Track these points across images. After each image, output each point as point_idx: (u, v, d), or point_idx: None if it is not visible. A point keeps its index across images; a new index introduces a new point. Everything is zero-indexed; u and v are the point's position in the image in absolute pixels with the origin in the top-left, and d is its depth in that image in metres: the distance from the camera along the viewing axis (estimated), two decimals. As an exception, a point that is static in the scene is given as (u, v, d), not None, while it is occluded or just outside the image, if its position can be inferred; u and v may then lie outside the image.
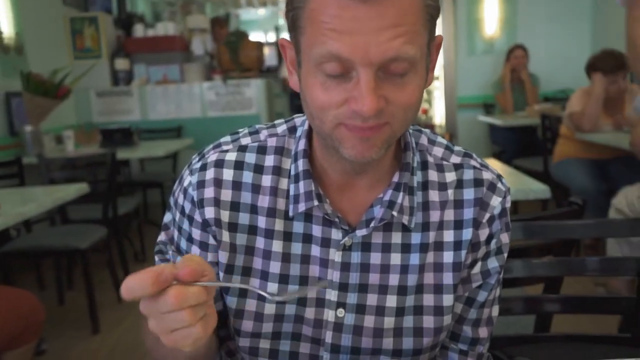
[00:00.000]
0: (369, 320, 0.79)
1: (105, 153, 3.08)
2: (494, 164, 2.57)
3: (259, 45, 5.15)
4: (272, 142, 0.80)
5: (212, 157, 0.80)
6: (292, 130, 0.82)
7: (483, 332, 0.86)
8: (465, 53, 5.70)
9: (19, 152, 3.74)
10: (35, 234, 3.03)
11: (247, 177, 0.79)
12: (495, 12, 5.60)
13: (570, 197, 1.25)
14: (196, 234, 0.79)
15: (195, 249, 0.80)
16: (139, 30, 5.26)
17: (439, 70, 5.94)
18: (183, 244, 0.81)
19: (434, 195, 0.79)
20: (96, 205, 3.08)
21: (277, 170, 0.79)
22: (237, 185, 0.78)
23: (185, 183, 0.81)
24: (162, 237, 0.85)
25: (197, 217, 0.78)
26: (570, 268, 1.13)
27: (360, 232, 0.76)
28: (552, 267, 1.13)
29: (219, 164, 0.79)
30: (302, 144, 0.78)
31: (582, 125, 3.25)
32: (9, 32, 3.96)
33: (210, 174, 0.78)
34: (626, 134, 3.14)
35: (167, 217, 0.85)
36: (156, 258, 0.84)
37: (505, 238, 0.83)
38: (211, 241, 0.79)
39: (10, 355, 1.74)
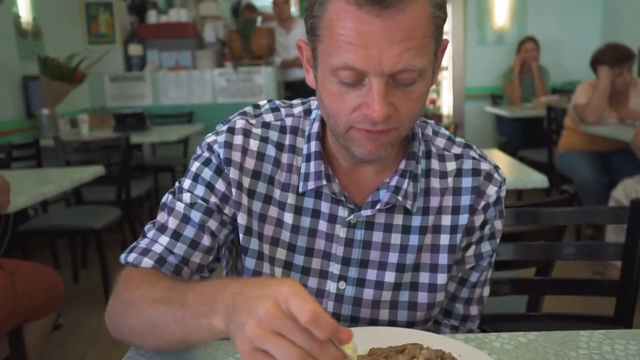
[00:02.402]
0: (367, 293, 0.86)
1: (120, 137, 3.17)
2: (498, 155, 2.63)
3: (270, 33, 5.20)
4: (288, 122, 0.87)
5: (239, 123, 0.85)
6: (308, 112, 0.88)
7: (474, 310, 0.93)
8: (474, 43, 5.72)
9: (36, 135, 3.85)
10: (52, 214, 3.14)
11: (271, 150, 0.85)
12: (506, 3, 5.61)
13: (562, 186, 1.32)
14: (221, 185, 0.83)
15: (215, 198, 0.83)
16: (152, 17, 5.32)
17: (447, 60, 5.96)
18: (199, 190, 0.84)
19: (435, 183, 0.86)
20: (110, 188, 3.18)
21: (293, 149, 0.85)
22: (261, 156, 0.84)
23: (209, 140, 0.85)
24: (176, 184, 0.87)
25: (226, 171, 0.83)
26: (557, 252, 1.21)
27: (366, 212, 0.83)
28: (540, 250, 1.21)
29: (247, 133, 0.84)
30: (315, 127, 0.85)
31: (586, 118, 3.29)
32: (26, 17, 4.05)
33: (238, 139, 0.84)
34: (629, 127, 3.19)
35: (183, 177, 0.88)
36: (170, 197, 0.85)
37: (498, 224, 0.89)
38: (233, 197, 0.83)
39: (33, 326, 1.85)
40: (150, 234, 0.84)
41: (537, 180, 2.02)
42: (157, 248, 0.82)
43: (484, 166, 0.87)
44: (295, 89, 5.22)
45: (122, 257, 0.84)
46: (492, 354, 0.76)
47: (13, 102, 3.89)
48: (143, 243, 0.84)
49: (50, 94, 3.77)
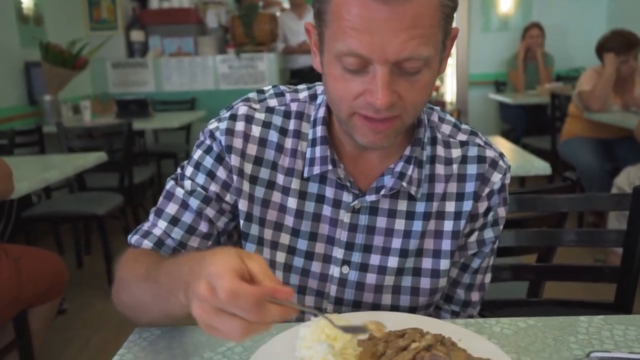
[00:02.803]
0: (370, 278, 0.86)
1: (122, 123, 3.17)
2: (501, 142, 2.63)
3: (272, 19, 5.17)
4: (294, 107, 0.87)
5: (241, 109, 0.86)
6: (313, 97, 0.88)
7: (475, 296, 0.94)
8: (479, 30, 5.67)
9: (39, 121, 3.85)
10: (55, 200, 3.15)
11: (273, 136, 0.85)
12: (511, -11, 5.56)
13: (565, 173, 1.31)
14: (222, 173, 0.85)
15: (215, 186, 0.85)
16: (154, 2, 5.28)
17: (451, 46, 5.91)
18: (200, 179, 0.85)
19: (440, 169, 0.86)
20: (112, 174, 3.19)
21: (298, 134, 0.86)
22: (263, 142, 0.85)
23: (212, 127, 0.86)
24: (178, 170, 0.90)
25: (228, 159, 0.84)
26: (559, 239, 1.21)
27: (370, 198, 0.83)
28: (542, 237, 1.21)
29: (249, 119, 0.85)
30: (321, 112, 0.85)
31: (590, 105, 3.27)
32: (27, 2, 4.03)
33: (240, 126, 0.84)
34: (634, 115, 3.17)
35: (185, 162, 0.90)
36: (171, 182, 0.88)
37: (502, 212, 0.90)
38: (234, 184, 0.85)
39: (37, 311, 1.87)
40: (151, 217, 0.88)
41: (540, 167, 2.02)
42: (157, 231, 0.86)
43: (489, 153, 0.87)
44: (302, 77, 5.17)
45: (129, 237, 0.89)
46: (491, 339, 0.77)
47: (15, 88, 3.89)
48: (146, 225, 0.88)
49: (52, 80, 3.77)
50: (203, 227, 0.85)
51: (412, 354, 0.67)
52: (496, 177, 0.87)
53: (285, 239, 0.86)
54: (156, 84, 5.07)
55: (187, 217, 0.85)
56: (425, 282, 0.87)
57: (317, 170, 0.83)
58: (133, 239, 0.87)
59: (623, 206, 1.18)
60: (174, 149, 4.56)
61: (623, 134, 3.31)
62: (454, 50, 5.93)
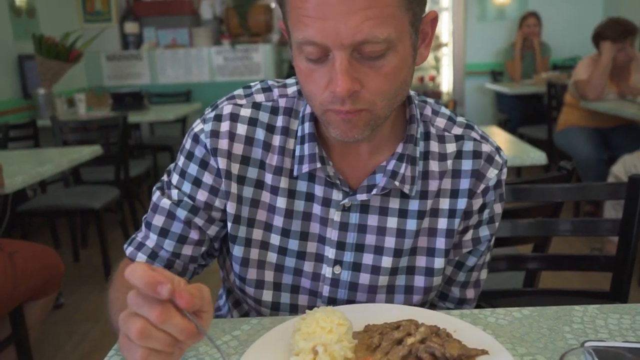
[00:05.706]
0: (364, 278, 0.84)
1: (117, 116, 3.15)
2: (497, 133, 2.62)
3: (268, 9, 5.13)
4: (282, 103, 0.84)
5: (226, 109, 0.83)
6: (302, 92, 0.85)
7: (470, 293, 0.92)
8: (475, 19, 5.65)
9: (33, 115, 3.83)
10: (51, 194, 3.14)
11: (260, 134, 0.82)
12: (507, -23, 5.53)
13: (560, 162, 1.31)
14: (208, 178, 0.83)
15: (202, 194, 0.83)
16: (147, -7, 5.25)
17: (447, 37, 5.90)
18: (186, 187, 0.83)
19: (433, 166, 0.84)
20: (108, 167, 3.18)
21: (286, 131, 0.83)
22: (249, 141, 0.82)
23: (197, 129, 0.83)
24: (164, 177, 0.88)
25: (213, 163, 0.82)
26: (554, 228, 1.21)
27: (361, 197, 0.81)
28: (537, 227, 1.21)
29: (234, 117, 0.82)
30: (309, 108, 0.82)
31: (587, 94, 3.27)
32: (20, -6, 4.00)
33: (225, 126, 0.82)
34: (630, 103, 3.17)
35: (172, 165, 0.88)
36: (157, 193, 0.86)
37: (498, 208, 0.87)
38: (222, 188, 0.83)
39: (33, 306, 1.87)
40: (143, 228, 0.86)
41: (536, 157, 2.02)
42: (150, 243, 0.85)
43: (485, 148, 0.85)
44: None
45: (124, 246, 0.87)
46: (486, 330, 0.77)
47: (8, 81, 3.87)
48: (139, 236, 0.86)
49: (46, 73, 3.74)
50: (194, 235, 0.84)
51: (407, 349, 0.67)
52: (492, 173, 0.84)
53: (275, 239, 0.84)
54: (151, 76, 5.04)
55: (176, 228, 0.83)
56: (419, 281, 0.85)
57: (305, 168, 0.80)
58: (128, 250, 0.86)
59: (618, 195, 1.17)
60: (169, 141, 4.55)
61: (619, 123, 3.31)
62: (450, 40, 5.91)
